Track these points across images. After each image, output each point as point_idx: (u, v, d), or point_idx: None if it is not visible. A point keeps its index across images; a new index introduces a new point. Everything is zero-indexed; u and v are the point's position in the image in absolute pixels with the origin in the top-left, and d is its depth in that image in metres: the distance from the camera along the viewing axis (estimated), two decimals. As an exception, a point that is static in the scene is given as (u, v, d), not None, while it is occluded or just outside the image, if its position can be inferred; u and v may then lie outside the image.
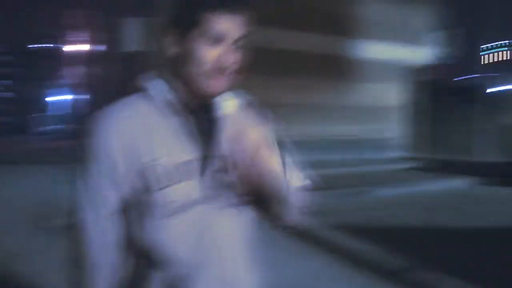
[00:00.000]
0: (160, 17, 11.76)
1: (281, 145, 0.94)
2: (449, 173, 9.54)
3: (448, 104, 17.91)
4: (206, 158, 0.90)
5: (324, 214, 6.13)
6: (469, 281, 3.38)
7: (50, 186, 6.70)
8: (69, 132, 27.44)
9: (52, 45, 76.36)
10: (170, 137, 0.88)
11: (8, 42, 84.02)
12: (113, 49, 15.83)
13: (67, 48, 50.98)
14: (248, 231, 1.01)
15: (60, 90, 51.56)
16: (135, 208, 0.88)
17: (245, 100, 0.99)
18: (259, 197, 0.93)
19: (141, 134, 0.87)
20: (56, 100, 51.75)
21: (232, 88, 0.94)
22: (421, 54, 14.00)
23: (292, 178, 0.96)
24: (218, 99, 0.94)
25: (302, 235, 4.91)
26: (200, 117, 0.92)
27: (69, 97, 46.19)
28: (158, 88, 0.91)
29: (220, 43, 0.86)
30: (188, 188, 0.88)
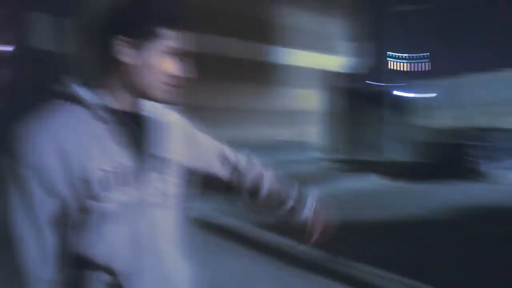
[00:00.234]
0: (75, 18, 11.12)
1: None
2: (362, 172, 10.33)
3: (361, 109, 19.27)
4: (141, 163, 0.93)
5: (249, 213, 6.30)
6: (381, 267, 3.70)
7: None
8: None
9: None
10: (104, 144, 0.88)
11: None
12: (23, 49, 14.52)
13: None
14: (181, 230, 1.06)
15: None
16: (73, 216, 0.86)
17: (171, 106, 1.06)
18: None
19: (75, 140, 0.85)
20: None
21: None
22: (337, 62, 14.96)
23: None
24: (147, 106, 0.98)
25: (229, 235, 5.01)
26: (132, 123, 0.94)
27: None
28: (89, 94, 0.90)
29: (174, 56, 0.92)
30: (123, 193, 0.89)
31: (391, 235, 5.06)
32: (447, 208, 6.50)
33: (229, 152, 1.21)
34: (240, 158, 1.22)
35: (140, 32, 0.89)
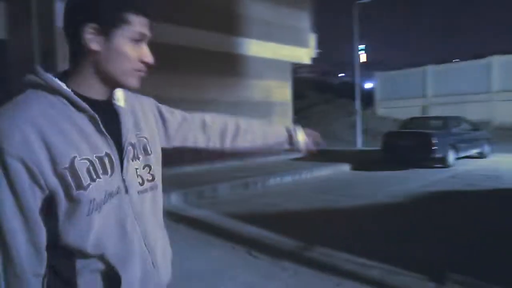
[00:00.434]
0: (20, 4, 10.57)
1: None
2: (330, 161, 10.57)
3: (329, 99, 19.54)
4: (119, 150, 0.93)
5: (220, 204, 6.31)
6: (354, 252, 3.82)
7: None
8: None
9: None
10: (85, 133, 0.88)
11: None
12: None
13: None
14: (161, 213, 1.08)
15: None
16: (58, 207, 0.85)
17: (133, 92, 1.07)
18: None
19: (56, 130, 0.83)
20: None
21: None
22: (305, 53, 15.12)
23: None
24: (113, 93, 0.98)
25: (201, 226, 5.01)
26: (107, 111, 0.94)
27: None
28: (59, 83, 0.88)
29: (141, 43, 0.93)
30: (107, 182, 0.89)
31: (361, 220, 5.22)
32: (409, 193, 6.80)
33: (205, 118, 1.26)
34: (217, 119, 1.29)
35: (109, 18, 0.88)
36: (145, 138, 1.03)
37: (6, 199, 0.81)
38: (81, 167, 0.85)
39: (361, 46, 16.22)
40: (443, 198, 6.57)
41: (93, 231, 0.87)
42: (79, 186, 0.84)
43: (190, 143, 1.22)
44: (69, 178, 0.83)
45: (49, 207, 0.85)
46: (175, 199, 6.37)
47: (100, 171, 0.88)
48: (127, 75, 0.92)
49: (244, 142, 1.32)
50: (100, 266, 0.90)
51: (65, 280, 0.88)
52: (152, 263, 0.99)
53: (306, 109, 23.07)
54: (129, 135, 0.97)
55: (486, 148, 12.01)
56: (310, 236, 4.45)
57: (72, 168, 0.83)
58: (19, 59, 11.81)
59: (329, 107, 23.93)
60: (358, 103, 15.98)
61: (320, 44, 15.93)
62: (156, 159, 1.05)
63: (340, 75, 43.73)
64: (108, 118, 0.93)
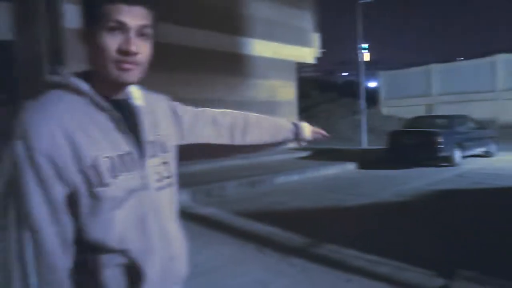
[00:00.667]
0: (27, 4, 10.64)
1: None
2: (335, 160, 10.59)
3: (333, 98, 19.45)
4: (139, 148, 0.96)
5: (228, 202, 6.36)
6: (361, 249, 3.86)
7: None
8: None
9: None
10: (106, 131, 0.90)
11: None
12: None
13: None
14: (177, 209, 1.11)
15: None
16: (81, 204, 0.87)
17: (149, 91, 1.09)
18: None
19: (80, 128, 0.86)
20: None
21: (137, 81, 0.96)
22: (309, 52, 15.14)
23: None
24: (130, 92, 1.00)
25: (210, 223, 5.06)
26: (124, 110, 0.96)
27: None
28: (81, 84, 0.91)
29: (120, 32, 0.88)
30: (128, 179, 0.91)
31: (368, 219, 5.26)
32: (416, 192, 6.82)
33: (215, 114, 1.29)
34: (227, 115, 1.32)
35: (88, 13, 0.90)
36: (163, 136, 1.05)
37: (35, 193, 0.83)
38: (103, 165, 0.88)
39: (365, 45, 16.17)
40: (450, 197, 6.58)
41: (115, 227, 0.90)
42: (101, 183, 0.87)
43: (202, 140, 1.24)
44: (92, 175, 0.86)
45: (71, 204, 0.87)
46: (184, 197, 6.43)
47: (121, 169, 0.91)
48: (109, 68, 0.89)
49: (253, 137, 1.34)
50: (123, 260, 0.92)
51: (91, 273, 0.91)
52: (171, 257, 1.02)
53: (310, 108, 23.06)
54: (148, 133, 0.99)
55: (492, 147, 11.98)
56: (318, 233, 4.48)
57: (94, 166, 0.86)
58: (26, 59, 11.91)
59: (333, 106, 23.92)
60: (362, 102, 15.96)
61: (324, 43, 15.95)
62: (172, 156, 1.08)
63: (343, 74, 43.69)
64: (127, 117, 0.96)
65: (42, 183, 0.83)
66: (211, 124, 1.26)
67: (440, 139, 9.64)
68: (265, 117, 1.41)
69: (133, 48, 0.88)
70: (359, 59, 15.91)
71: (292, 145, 1.51)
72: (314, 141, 1.52)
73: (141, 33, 0.90)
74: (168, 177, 1.04)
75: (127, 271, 0.93)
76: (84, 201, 0.87)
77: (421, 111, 20.73)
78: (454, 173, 8.89)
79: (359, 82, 16.09)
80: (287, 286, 3.17)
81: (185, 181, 7.36)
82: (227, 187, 7.21)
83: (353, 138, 18.06)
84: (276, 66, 13.67)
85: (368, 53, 17.14)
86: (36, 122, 0.83)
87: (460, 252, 3.80)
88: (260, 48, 13.06)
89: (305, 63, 16.33)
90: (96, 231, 0.89)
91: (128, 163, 0.92)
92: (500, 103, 20.76)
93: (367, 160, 11.01)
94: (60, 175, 0.84)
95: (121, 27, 0.87)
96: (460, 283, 3.10)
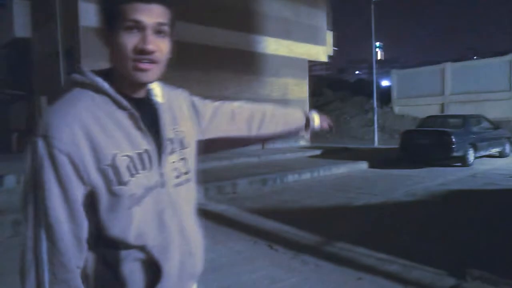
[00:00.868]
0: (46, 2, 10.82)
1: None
2: (347, 159, 10.57)
3: (345, 97, 19.33)
4: (158, 146, 0.97)
5: (240, 199, 6.42)
6: (373, 248, 3.88)
7: None
8: None
9: None
10: (126, 129, 0.91)
11: None
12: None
13: None
14: (195, 204, 1.12)
15: None
16: (100, 202, 0.89)
17: (170, 87, 1.10)
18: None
19: (100, 127, 0.88)
20: None
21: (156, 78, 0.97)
22: (322, 51, 15.10)
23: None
24: (151, 89, 1.02)
25: (222, 220, 5.12)
26: (144, 108, 0.97)
27: None
28: (102, 82, 0.92)
29: (137, 31, 0.88)
30: (146, 177, 0.93)
31: (379, 217, 5.27)
32: (428, 192, 6.79)
33: (233, 107, 1.29)
34: (245, 107, 1.32)
35: (105, 13, 0.91)
36: (182, 132, 1.06)
37: (53, 190, 0.84)
38: (122, 163, 0.89)
39: (377, 44, 16.09)
40: (463, 197, 6.54)
41: (134, 224, 0.92)
42: (120, 182, 0.88)
43: (221, 133, 1.24)
44: (111, 174, 0.87)
45: (90, 201, 0.89)
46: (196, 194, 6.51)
47: (139, 167, 0.92)
48: (127, 68, 0.90)
49: (270, 128, 1.34)
50: (142, 255, 0.94)
51: (110, 267, 0.93)
52: (189, 252, 1.03)
53: (322, 106, 22.98)
54: (167, 130, 1.00)
55: (507, 147, 11.82)
56: (329, 231, 4.51)
57: (113, 164, 0.88)
58: (42, 56, 12.13)
59: (345, 104, 23.80)
60: (375, 101, 15.86)
61: (337, 41, 15.89)
62: (191, 152, 1.09)
63: (356, 72, 43.41)
64: (147, 115, 0.97)
65: (61, 181, 0.84)
66: (230, 117, 1.26)
67: (453, 139, 9.56)
68: (279, 107, 1.42)
69: (149, 46, 0.88)
70: (372, 58, 15.80)
71: (303, 135, 1.50)
72: (322, 130, 1.53)
73: (158, 31, 0.90)
74: (186, 173, 1.05)
75: (145, 266, 0.95)
76: (103, 198, 0.88)
77: (434, 111, 20.47)
78: (467, 174, 8.82)
79: (372, 81, 15.99)
80: (299, 283, 3.21)
81: (198, 178, 7.41)
82: (239, 185, 7.27)
83: (365, 137, 17.98)
84: (289, 64, 13.68)
85: (382, 52, 17.03)
86: (58, 121, 0.85)
87: (472, 252, 3.80)
88: (274, 46, 13.08)
89: (317, 61, 16.30)
90: (115, 228, 0.91)
91: (146, 161, 0.93)
92: (515, 103, 20.38)
93: (379, 159, 10.97)
94: (80, 174, 0.85)
95: (138, 26, 0.88)
96: (471, 283, 3.10)
